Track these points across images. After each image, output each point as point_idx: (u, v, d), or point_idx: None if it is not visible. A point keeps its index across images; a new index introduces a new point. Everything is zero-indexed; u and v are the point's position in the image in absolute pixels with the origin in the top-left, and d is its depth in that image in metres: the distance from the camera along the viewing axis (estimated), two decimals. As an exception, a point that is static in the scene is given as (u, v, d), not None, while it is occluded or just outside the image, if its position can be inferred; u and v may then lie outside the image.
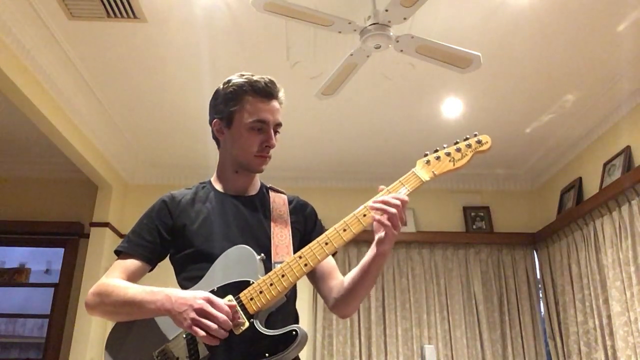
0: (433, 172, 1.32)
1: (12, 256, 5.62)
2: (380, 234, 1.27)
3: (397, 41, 2.37)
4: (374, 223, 1.26)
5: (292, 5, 2.21)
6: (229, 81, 1.44)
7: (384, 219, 1.23)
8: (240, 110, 1.41)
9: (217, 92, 1.47)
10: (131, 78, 3.22)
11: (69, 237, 4.25)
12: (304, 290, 4.08)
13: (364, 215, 1.27)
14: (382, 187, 1.31)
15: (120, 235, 4.20)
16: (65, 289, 4.14)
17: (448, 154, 1.35)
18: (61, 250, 4.31)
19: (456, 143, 1.37)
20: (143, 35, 2.83)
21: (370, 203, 1.27)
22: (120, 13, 2.63)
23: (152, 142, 4.04)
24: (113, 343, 1.33)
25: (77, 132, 3.51)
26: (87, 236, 4.03)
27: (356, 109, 3.55)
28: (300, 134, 3.87)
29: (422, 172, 1.32)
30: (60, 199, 4.36)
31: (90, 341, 3.72)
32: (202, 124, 3.60)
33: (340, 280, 1.44)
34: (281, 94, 1.45)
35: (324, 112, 3.55)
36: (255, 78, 1.42)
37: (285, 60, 3.01)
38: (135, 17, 2.66)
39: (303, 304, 4.08)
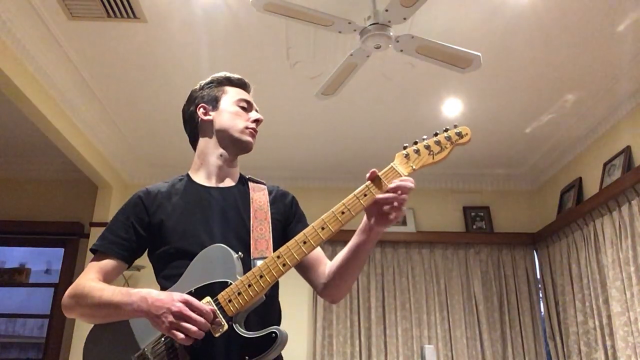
0: (412, 167, 1.30)
1: (12, 256, 5.62)
2: (380, 218, 1.27)
3: (397, 41, 2.37)
4: (374, 207, 1.26)
5: (292, 5, 2.21)
6: (203, 81, 1.57)
7: (396, 203, 1.25)
8: (224, 94, 1.53)
9: (193, 90, 1.58)
10: (131, 78, 3.22)
11: (69, 237, 4.25)
12: (304, 290, 4.10)
13: (347, 211, 1.25)
14: (374, 170, 1.29)
15: (120, 235, 4.20)
16: (65, 289, 4.05)
17: (427, 147, 1.32)
18: (61, 250, 4.31)
19: (436, 135, 1.33)
20: (143, 35, 2.83)
21: (358, 191, 1.27)
22: (120, 13, 2.63)
23: (152, 142, 4.04)
24: (90, 345, 1.30)
25: (77, 132, 3.51)
26: (87, 236, 4.03)
27: (356, 109, 3.55)
28: (301, 134, 3.87)
29: (400, 167, 1.30)
30: (60, 199, 4.36)
31: (90, 341, 3.72)
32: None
33: (327, 265, 1.42)
34: (252, 92, 1.59)
35: (324, 112, 3.55)
36: (229, 74, 1.57)
37: (285, 60, 3.01)
38: (135, 17, 2.66)
39: (303, 304, 4.10)
